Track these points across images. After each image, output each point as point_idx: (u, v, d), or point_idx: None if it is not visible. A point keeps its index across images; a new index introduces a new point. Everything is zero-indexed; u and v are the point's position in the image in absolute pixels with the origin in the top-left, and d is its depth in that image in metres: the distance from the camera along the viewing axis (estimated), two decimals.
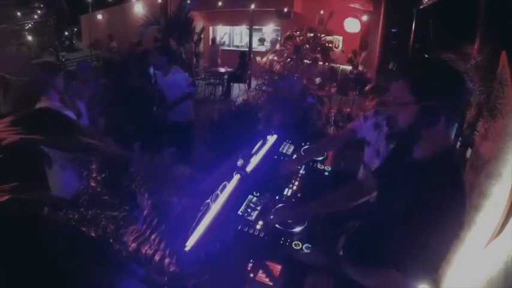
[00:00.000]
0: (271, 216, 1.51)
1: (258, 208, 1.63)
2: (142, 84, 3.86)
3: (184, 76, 3.62)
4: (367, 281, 1.10)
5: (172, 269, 0.93)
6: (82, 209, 0.90)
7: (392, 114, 1.05)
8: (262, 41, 11.88)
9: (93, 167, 1.01)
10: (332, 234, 1.71)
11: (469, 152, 2.06)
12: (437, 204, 0.92)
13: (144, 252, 0.90)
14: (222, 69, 8.49)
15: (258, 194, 1.73)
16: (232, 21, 11.87)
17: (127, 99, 3.67)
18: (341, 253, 1.46)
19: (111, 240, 0.87)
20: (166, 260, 0.93)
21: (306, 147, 2.36)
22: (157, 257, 0.92)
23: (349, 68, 7.98)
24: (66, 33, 17.48)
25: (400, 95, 0.99)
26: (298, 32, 4.49)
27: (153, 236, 0.94)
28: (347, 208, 1.46)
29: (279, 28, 10.84)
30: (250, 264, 1.27)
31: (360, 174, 2.16)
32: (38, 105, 2.09)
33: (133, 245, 0.89)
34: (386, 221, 1.07)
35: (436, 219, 0.91)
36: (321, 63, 4.21)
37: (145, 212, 0.95)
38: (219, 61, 9.63)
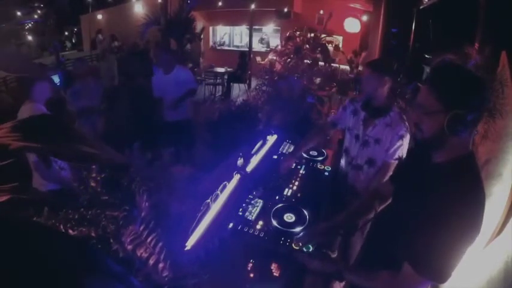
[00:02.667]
0: (298, 242, 1.39)
1: (258, 208, 1.63)
2: (143, 84, 3.87)
3: (189, 72, 3.67)
4: (372, 284, 1.11)
5: (165, 273, 0.92)
6: (82, 209, 0.91)
7: (417, 121, 1.04)
8: (262, 41, 11.86)
9: (93, 167, 1.01)
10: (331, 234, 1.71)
11: None
12: (455, 208, 0.93)
13: (139, 254, 0.90)
14: (222, 69, 8.49)
15: (258, 194, 1.73)
16: (232, 21, 11.86)
17: (128, 99, 3.68)
18: (335, 255, 1.45)
19: (111, 240, 0.87)
20: (161, 265, 0.92)
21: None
22: (152, 261, 0.91)
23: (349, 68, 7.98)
24: (66, 33, 17.49)
25: (427, 103, 0.99)
26: (298, 32, 4.50)
27: (150, 238, 0.93)
28: (367, 217, 1.46)
29: (279, 28, 10.84)
30: (250, 264, 1.27)
31: (341, 161, 2.22)
32: (23, 108, 2.13)
33: (130, 247, 0.89)
34: (403, 222, 1.07)
35: (453, 222, 0.92)
36: (321, 63, 4.21)
37: (143, 214, 0.95)
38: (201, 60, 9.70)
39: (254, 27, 9.65)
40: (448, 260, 0.95)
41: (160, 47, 3.89)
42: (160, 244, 0.94)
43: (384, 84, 1.88)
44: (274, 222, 1.51)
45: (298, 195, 1.81)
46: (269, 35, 11.72)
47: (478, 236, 0.97)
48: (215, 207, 1.46)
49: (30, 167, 1.94)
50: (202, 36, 10.23)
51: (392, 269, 1.05)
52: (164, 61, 3.48)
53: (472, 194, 0.96)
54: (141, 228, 0.92)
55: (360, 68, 7.53)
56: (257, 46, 11.35)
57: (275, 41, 10.55)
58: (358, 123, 2.06)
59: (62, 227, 0.90)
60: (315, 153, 2.37)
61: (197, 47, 9.77)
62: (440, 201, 0.95)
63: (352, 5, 9.27)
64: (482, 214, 0.96)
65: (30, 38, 15.77)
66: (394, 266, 1.04)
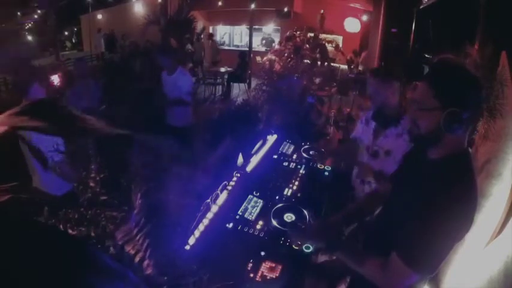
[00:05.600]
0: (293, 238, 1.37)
1: (258, 208, 1.63)
2: (151, 85, 3.84)
3: (186, 77, 3.52)
4: (361, 269, 1.10)
5: (149, 271, 0.91)
6: (82, 209, 0.91)
7: (413, 117, 1.05)
8: (264, 42, 11.79)
9: (92, 167, 1.01)
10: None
11: None
12: (446, 202, 0.93)
13: (128, 250, 0.89)
14: (222, 69, 8.50)
15: (258, 194, 1.73)
16: (232, 21, 11.88)
17: (135, 99, 3.67)
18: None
19: (109, 240, 0.87)
20: (146, 262, 0.91)
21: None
22: (138, 258, 0.91)
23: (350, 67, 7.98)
24: (66, 33, 17.50)
25: (425, 99, 0.99)
26: (298, 32, 4.50)
27: (139, 236, 0.93)
28: (366, 217, 1.46)
29: (279, 28, 10.85)
30: (250, 264, 1.27)
31: (354, 172, 2.20)
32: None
33: (127, 246, 0.88)
34: (398, 219, 1.07)
35: (443, 216, 0.93)
36: (320, 63, 4.21)
37: (136, 211, 0.95)
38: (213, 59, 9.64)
39: (254, 27, 9.65)
40: (435, 254, 0.95)
41: (160, 49, 3.84)
42: (147, 242, 0.92)
43: (394, 91, 1.82)
44: (274, 222, 1.51)
45: (298, 195, 1.81)
46: (271, 35, 11.71)
47: (467, 232, 0.97)
48: (215, 207, 1.46)
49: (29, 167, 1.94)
50: (202, 36, 10.23)
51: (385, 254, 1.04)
52: (164, 63, 3.47)
53: (464, 191, 0.96)
54: (135, 226, 0.92)
55: (360, 68, 7.54)
56: (257, 46, 11.34)
57: (276, 41, 10.55)
58: (368, 133, 2.00)
59: (61, 226, 0.90)
60: (315, 153, 2.36)
61: (203, 46, 9.67)
62: (432, 196, 0.96)
63: (352, 5, 9.27)
64: (474, 211, 0.97)
65: (30, 38, 15.75)
66: (386, 252, 1.04)
